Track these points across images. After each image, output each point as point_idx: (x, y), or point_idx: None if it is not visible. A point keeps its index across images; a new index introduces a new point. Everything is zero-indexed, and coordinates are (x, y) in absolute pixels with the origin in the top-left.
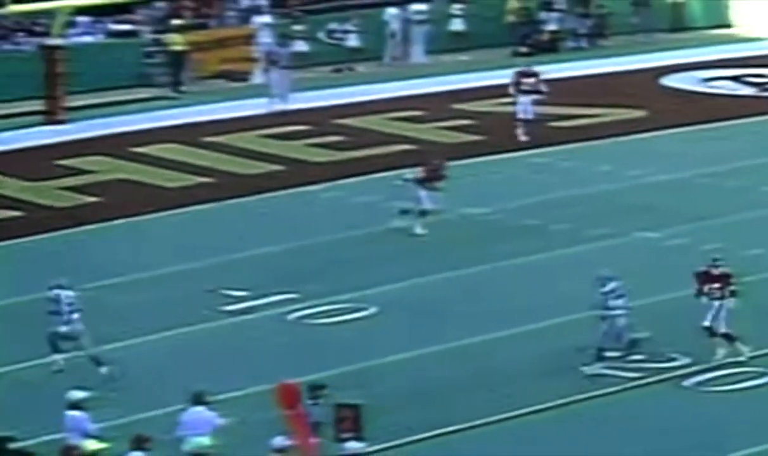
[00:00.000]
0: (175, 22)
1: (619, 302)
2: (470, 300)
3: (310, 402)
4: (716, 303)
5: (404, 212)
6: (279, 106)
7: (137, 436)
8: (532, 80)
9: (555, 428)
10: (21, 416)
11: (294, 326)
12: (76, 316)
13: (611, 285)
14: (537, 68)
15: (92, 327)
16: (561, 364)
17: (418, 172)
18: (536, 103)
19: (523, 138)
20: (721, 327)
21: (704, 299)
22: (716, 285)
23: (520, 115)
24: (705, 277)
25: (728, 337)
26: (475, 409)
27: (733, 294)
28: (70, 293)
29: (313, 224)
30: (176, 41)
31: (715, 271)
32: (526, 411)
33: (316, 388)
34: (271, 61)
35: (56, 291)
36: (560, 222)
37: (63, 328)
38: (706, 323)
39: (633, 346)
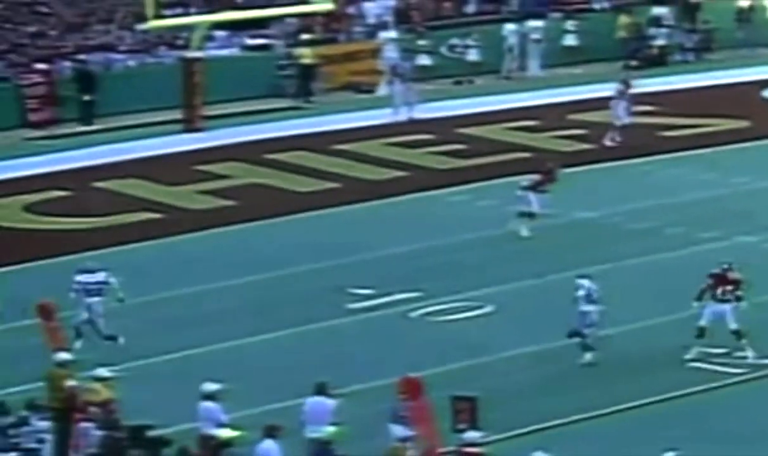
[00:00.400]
0: (305, 36)
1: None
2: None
3: (402, 397)
4: (726, 305)
5: (521, 215)
6: (402, 117)
7: (269, 425)
8: (628, 89)
9: (659, 423)
10: (157, 406)
11: (416, 323)
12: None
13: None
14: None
15: (233, 321)
16: (668, 360)
17: (532, 178)
18: (629, 110)
19: (609, 143)
20: (732, 325)
21: (705, 300)
22: (729, 288)
23: (616, 122)
24: (719, 280)
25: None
26: (585, 403)
27: (739, 299)
28: None
29: (434, 227)
30: (305, 55)
31: (731, 275)
32: (632, 405)
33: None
34: (396, 73)
35: None
36: (672, 226)
37: None
38: (735, 326)
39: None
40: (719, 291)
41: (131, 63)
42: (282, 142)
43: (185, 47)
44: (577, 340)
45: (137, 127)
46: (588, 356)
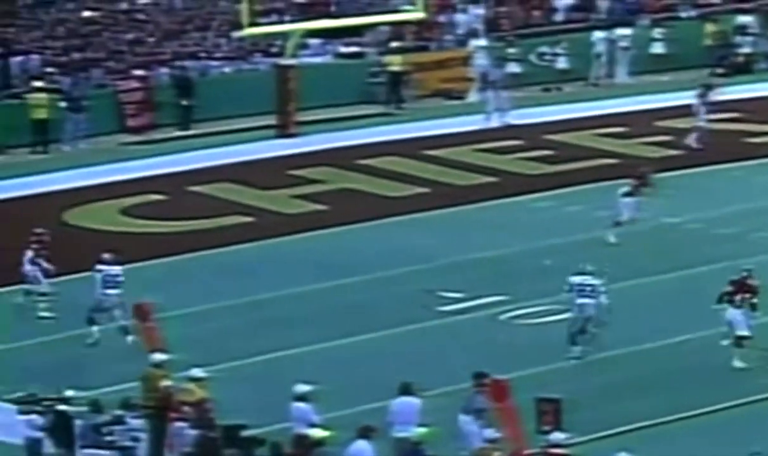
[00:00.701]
0: (394, 44)
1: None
2: (665, 304)
3: (474, 390)
4: (740, 311)
5: (617, 224)
6: (495, 123)
7: (364, 426)
8: (708, 95)
9: (744, 427)
10: (251, 406)
11: (504, 326)
12: None
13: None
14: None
15: (325, 323)
16: (756, 364)
17: (629, 183)
18: (707, 115)
19: (695, 145)
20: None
21: (724, 306)
22: (747, 295)
23: (698, 126)
24: (740, 287)
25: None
26: (670, 405)
27: (753, 307)
28: None
29: (522, 232)
30: (394, 62)
31: (751, 282)
32: (717, 408)
33: (480, 376)
34: (488, 81)
35: None
36: (757, 231)
37: None
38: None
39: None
40: (738, 298)
41: (227, 69)
42: (373, 148)
43: (280, 54)
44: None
45: (232, 133)
46: (576, 350)
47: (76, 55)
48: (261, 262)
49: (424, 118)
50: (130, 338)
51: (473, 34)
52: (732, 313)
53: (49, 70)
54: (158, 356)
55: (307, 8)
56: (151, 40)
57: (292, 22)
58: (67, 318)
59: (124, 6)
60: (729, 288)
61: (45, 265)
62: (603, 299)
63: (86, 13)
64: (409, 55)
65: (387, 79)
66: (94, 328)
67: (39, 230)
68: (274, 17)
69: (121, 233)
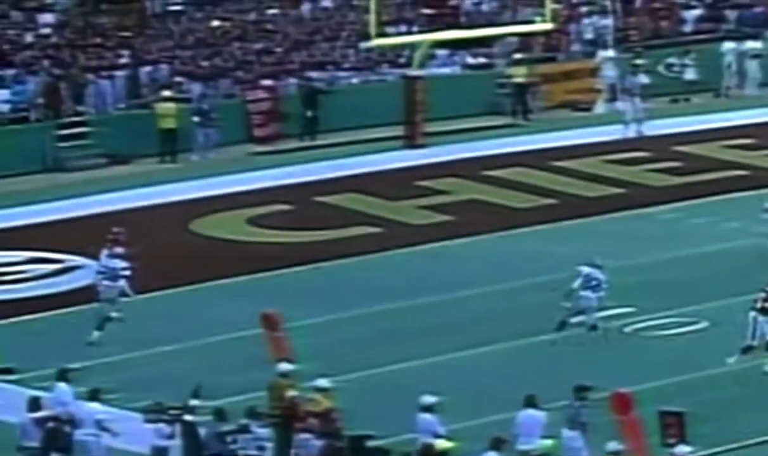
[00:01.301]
0: (518, 56)
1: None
2: None
3: (577, 403)
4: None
5: None
6: (632, 133)
7: (495, 437)
8: None
9: None
10: (377, 417)
11: (630, 338)
12: None
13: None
14: None
15: (452, 333)
16: None
17: None
18: None
19: None
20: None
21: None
22: None
23: None
24: None
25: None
26: None
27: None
28: None
29: (649, 243)
30: (519, 73)
31: None
32: None
33: (582, 390)
34: (621, 90)
35: None
36: None
37: None
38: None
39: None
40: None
41: (354, 80)
42: (500, 159)
43: (407, 65)
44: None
45: (359, 143)
46: (558, 336)
47: (205, 65)
48: (388, 273)
49: (551, 129)
50: (96, 334)
51: (601, 44)
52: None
53: (178, 79)
54: (285, 366)
55: (435, 19)
56: (279, 50)
57: (420, 33)
58: (192, 328)
59: (253, 16)
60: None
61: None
62: (602, 294)
63: (215, 23)
64: (536, 66)
65: (512, 91)
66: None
67: (116, 229)
68: (403, 28)
69: (248, 242)
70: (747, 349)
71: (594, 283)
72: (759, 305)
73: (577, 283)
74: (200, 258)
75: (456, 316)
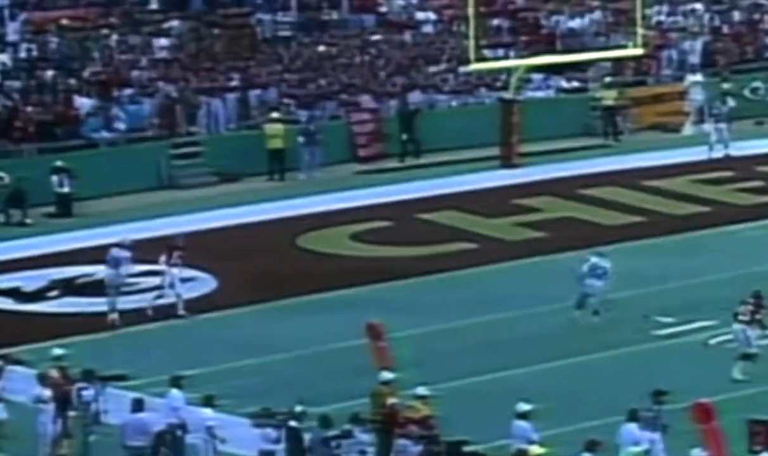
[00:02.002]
0: (608, 79)
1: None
2: None
3: (656, 407)
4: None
5: None
6: (717, 155)
7: (590, 440)
8: None
9: None
10: (474, 423)
11: (714, 351)
12: None
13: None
14: None
15: (545, 344)
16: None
17: None
18: None
19: None
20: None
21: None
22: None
23: None
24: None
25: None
26: None
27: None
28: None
29: (734, 259)
30: (610, 96)
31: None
32: None
33: (659, 394)
34: (709, 114)
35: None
36: None
37: None
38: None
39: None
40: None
41: (454, 103)
42: (592, 178)
43: (504, 89)
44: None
45: (457, 163)
46: (576, 313)
47: (311, 87)
48: (484, 286)
49: (641, 150)
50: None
51: (690, 68)
52: (742, 330)
53: (286, 101)
54: (387, 374)
55: (531, 44)
56: (382, 73)
57: (516, 57)
58: (299, 338)
59: (357, 42)
60: (745, 307)
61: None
62: (607, 282)
63: (321, 48)
64: (626, 89)
65: (603, 113)
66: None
67: (175, 239)
68: (500, 53)
69: (350, 257)
70: (748, 357)
71: (599, 271)
72: (747, 318)
73: (585, 269)
74: (306, 272)
75: (549, 327)
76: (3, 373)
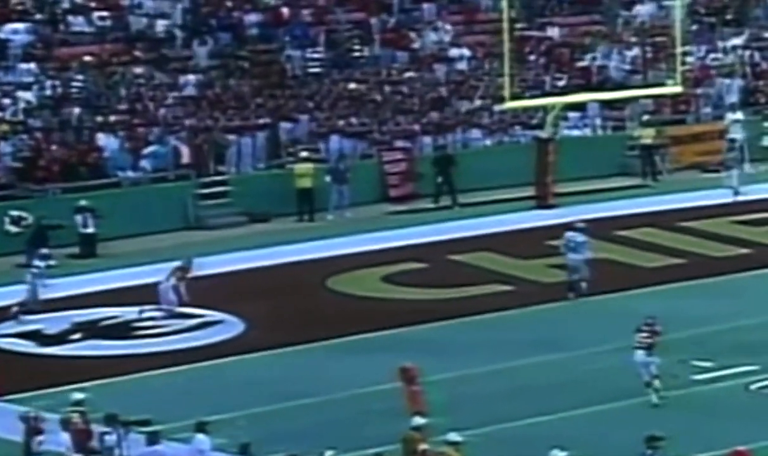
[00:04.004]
0: (646, 117)
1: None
2: None
3: (649, 452)
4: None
5: None
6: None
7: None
8: None
9: None
10: None
11: (755, 396)
12: None
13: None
14: None
15: (578, 390)
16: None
17: None
18: None
19: None
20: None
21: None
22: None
23: None
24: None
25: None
26: None
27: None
28: None
29: None
30: (647, 135)
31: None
32: None
33: (653, 439)
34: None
35: None
36: None
37: None
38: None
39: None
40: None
41: (488, 142)
42: (630, 219)
43: (539, 127)
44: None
45: (492, 203)
46: (571, 295)
47: (342, 124)
48: (518, 330)
49: (680, 190)
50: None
51: (730, 107)
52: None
53: (315, 140)
54: (418, 420)
55: (568, 81)
56: (415, 110)
57: (552, 95)
58: (330, 382)
59: (389, 78)
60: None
61: (183, 291)
62: (588, 254)
63: (352, 85)
64: (665, 127)
65: (641, 152)
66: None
67: (182, 264)
68: (536, 91)
69: (383, 299)
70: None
71: (572, 244)
72: (645, 344)
73: (561, 244)
74: (337, 314)
75: (584, 372)
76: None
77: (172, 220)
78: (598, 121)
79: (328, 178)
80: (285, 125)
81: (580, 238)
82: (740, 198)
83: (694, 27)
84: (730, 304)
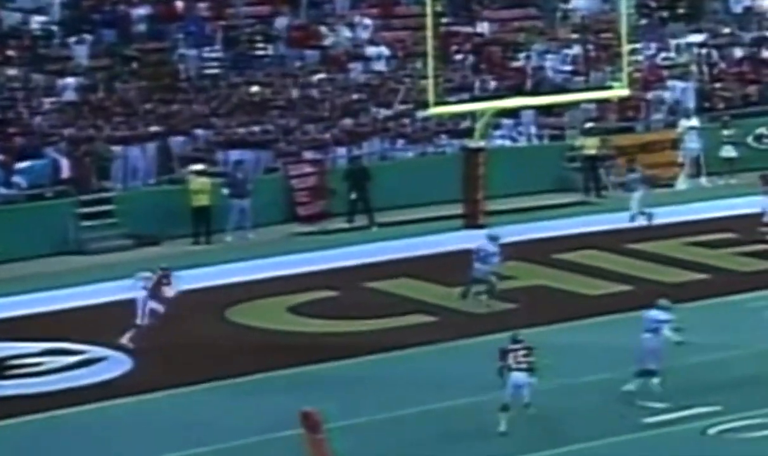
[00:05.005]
0: (589, 125)
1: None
2: None
3: None
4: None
5: None
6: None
7: None
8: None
9: None
10: None
11: (713, 441)
12: None
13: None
14: None
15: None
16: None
17: None
18: None
19: None
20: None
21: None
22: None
23: None
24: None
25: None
26: None
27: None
28: None
29: (736, 335)
30: (589, 145)
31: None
32: None
33: None
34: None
35: None
36: None
37: None
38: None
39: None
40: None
41: (410, 153)
42: (570, 241)
43: (468, 135)
44: None
45: (414, 223)
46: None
47: (242, 132)
48: (443, 367)
49: (627, 207)
50: None
51: (683, 113)
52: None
53: (212, 150)
54: None
55: (499, 84)
56: (326, 118)
57: (483, 100)
58: (226, 426)
59: (296, 81)
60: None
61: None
62: (496, 266)
63: (254, 89)
64: (610, 137)
65: (583, 165)
66: None
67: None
68: (464, 95)
69: (288, 332)
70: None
71: (482, 254)
72: (524, 366)
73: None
74: (237, 349)
75: (520, 414)
76: None
77: (49, 243)
78: (533, 130)
79: (225, 191)
80: (177, 139)
81: (491, 248)
82: (635, 224)
83: (643, 22)
84: (685, 337)
